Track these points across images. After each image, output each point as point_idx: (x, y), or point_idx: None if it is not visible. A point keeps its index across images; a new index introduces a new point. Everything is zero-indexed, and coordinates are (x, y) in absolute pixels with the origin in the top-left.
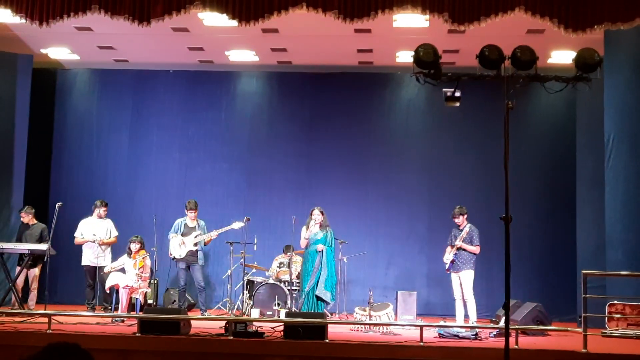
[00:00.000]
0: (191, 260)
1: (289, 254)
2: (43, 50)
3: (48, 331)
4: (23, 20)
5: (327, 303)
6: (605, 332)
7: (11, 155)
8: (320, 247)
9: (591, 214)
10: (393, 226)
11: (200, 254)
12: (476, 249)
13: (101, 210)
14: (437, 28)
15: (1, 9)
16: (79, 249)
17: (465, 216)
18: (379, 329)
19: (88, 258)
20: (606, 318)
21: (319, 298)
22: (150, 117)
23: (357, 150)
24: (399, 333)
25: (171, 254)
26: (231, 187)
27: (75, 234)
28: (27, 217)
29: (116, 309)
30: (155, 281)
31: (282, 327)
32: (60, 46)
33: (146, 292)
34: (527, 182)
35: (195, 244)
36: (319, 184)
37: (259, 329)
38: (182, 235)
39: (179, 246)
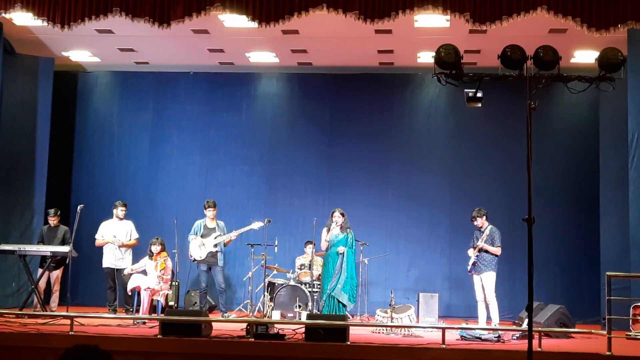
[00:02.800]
0: (211, 262)
1: (308, 249)
2: (64, 53)
3: (70, 333)
4: (45, 24)
5: (345, 305)
6: (630, 335)
7: (33, 158)
8: (341, 249)
9: (615, 215)
10: (414, 228)
11: (220, 255)
12: (497, 250)
13: (119, 211)
14: (459, 28)
15: (23, 13)
16: (100, 251)
17: (485, 217)
18: (400, 331)
19: (109, 260)
20: (631, 320)
21: (339, 300)
22: (170, 119)
23: (378, 151)
24: (421, 335)
25: (191, 256)
26: (252, 189)
27: (96, 236)
28: (54, 220)
29: (137, 311)
30: (177, 283)
31: (303, 329)
32: (82, 49)
33: (167, 294)
34: (550, 183)
35: (215, 245)
36: (340, 186)
37: (280, 331)
38: (202, 236)
39: (198, 247)
